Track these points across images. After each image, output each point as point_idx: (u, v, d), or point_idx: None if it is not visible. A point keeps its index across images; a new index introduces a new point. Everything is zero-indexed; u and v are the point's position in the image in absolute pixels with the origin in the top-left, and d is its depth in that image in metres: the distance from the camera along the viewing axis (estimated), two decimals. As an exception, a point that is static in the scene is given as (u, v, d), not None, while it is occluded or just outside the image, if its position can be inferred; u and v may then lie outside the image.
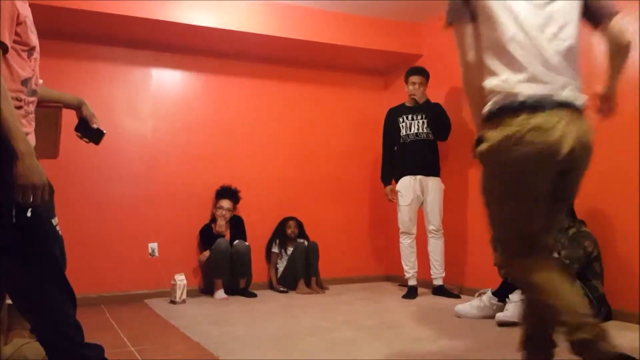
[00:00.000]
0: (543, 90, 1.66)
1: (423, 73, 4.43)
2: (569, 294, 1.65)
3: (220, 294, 4.37)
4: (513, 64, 1.69)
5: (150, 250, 4.55)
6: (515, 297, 3.19)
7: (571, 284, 1.72)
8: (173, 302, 4.12)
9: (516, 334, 2.90)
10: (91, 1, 3.96)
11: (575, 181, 1.80)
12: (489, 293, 3.41)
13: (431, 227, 4.35)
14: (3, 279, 1.60)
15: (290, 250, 4.83)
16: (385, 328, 3.15)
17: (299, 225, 4.93)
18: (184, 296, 4.15)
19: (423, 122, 4.38)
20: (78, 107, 2.04)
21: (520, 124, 1.63)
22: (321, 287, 4.76)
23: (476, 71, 1.77)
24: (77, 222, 4.22)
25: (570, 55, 1.75)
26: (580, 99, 1.73)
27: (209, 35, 4.54)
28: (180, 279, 4.16)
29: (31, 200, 1.47)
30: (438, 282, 4.36)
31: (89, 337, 1.69)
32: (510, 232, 1.77)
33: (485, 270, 3.77)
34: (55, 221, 1.68)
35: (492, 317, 3.25)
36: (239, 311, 3.79)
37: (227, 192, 4.71)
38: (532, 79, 1.67)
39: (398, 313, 3.67)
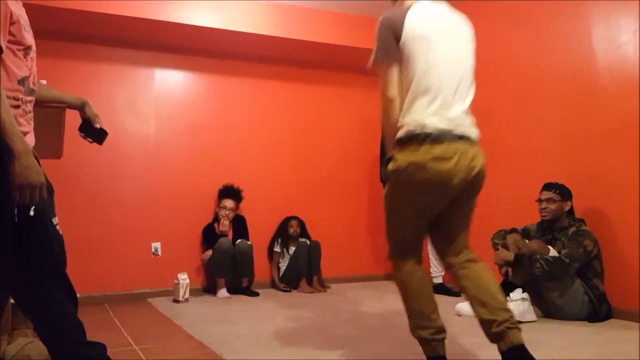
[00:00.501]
0: (445, 126, 1.94)
1: None
2: (422, 296, 2.08)
3: (222, 292, 4.39)
4: (427, 103, 1.97)
5: (153, 250, 4.58)
6: (515, 296, 3.20)
7: (429, 288, 2.12)
8: (176, 301, 4.14)
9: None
10: (94, 2, 3.98)
11: (468, 202, 2.10)
12: (490, 292, 3.42)
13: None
14: (5, 279, 1.61)
15: (292, 249, 4.84)
16: (387, 326, 3.16)
17: (301, 224, 4.95)
18: (187, 295, 4.17)
19: None
20: (81, 108, 2.05)
21: (424, 152, 1.92)
22: (323, 286, 4.77)
23: (395, 105, 2.02)
24: (81, 221, 4.25)
25: (468, 108, 2.07)
26: (474, 134, 2.03)
27: (211, 35, 4.56)
28: (183, 278, 4.18)
29: (29, 199, 1.47)
30: (438, 280, 4.37)
31: (92, 336, 1.70)
32: (396, 236, 2.13)
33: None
34: (55, 220, 1.69)
35: (493, 315, 3.26)
36: (242, 310, 3.80)
37: (230, 192, 4.73)
38: (439, 117, 1.95)
39: (399, 312, 3.67)
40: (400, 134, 1.98)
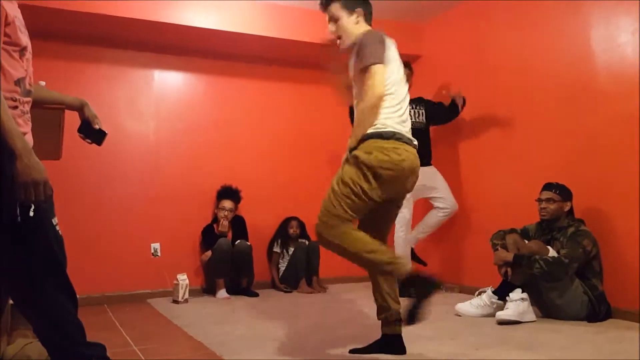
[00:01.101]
0: (405, 133, 2.40)
1: (407, 67, 4.28)
2: (364, 238, 2.33)
3: (222, 293, 4.40)
4: (395, 112, 2.40)
5: (152, 250, 4.58)
6: (515, 296, 3.20)
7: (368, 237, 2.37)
8: (175, 301, 4.14)
9: (516, 332, 2.93)
10: (94, 3, 3.98)
11: (405, 196, 2.56)
12: (489, 292, 3.43)
13: (441, 205, 4.43)
14: (4, 279, 1.61)
15: (291, 250, 4.84)
16: (386, 327, 3.16)
17: (301, 225, 4.95)
18: (187, 296, 4.18)
19: (414, 112, 4.39)
20: (80, 109, 2.05)
21: (398, 150, 2.32)
22: (321, 286, 4.78)
23: (381, 103, 2.36)
24: (80, 222, 4.25)
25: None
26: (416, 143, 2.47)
27: (210, 36, 4.56)
28: (183, 279, 4.18)
29: (33, 196, 1.46)
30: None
31: (92, 337, 1.69)
32: (346, 213, 2.31)
33: (485, 269, 3.79)
34: (55, 221, 1.68)
35: (492, 315, 3.26)
36: (241, 310, 3.81)
37: (228, 192, 4.73)
38: (402, 125, 2.41)
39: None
40: (377, 129, 2.34)
